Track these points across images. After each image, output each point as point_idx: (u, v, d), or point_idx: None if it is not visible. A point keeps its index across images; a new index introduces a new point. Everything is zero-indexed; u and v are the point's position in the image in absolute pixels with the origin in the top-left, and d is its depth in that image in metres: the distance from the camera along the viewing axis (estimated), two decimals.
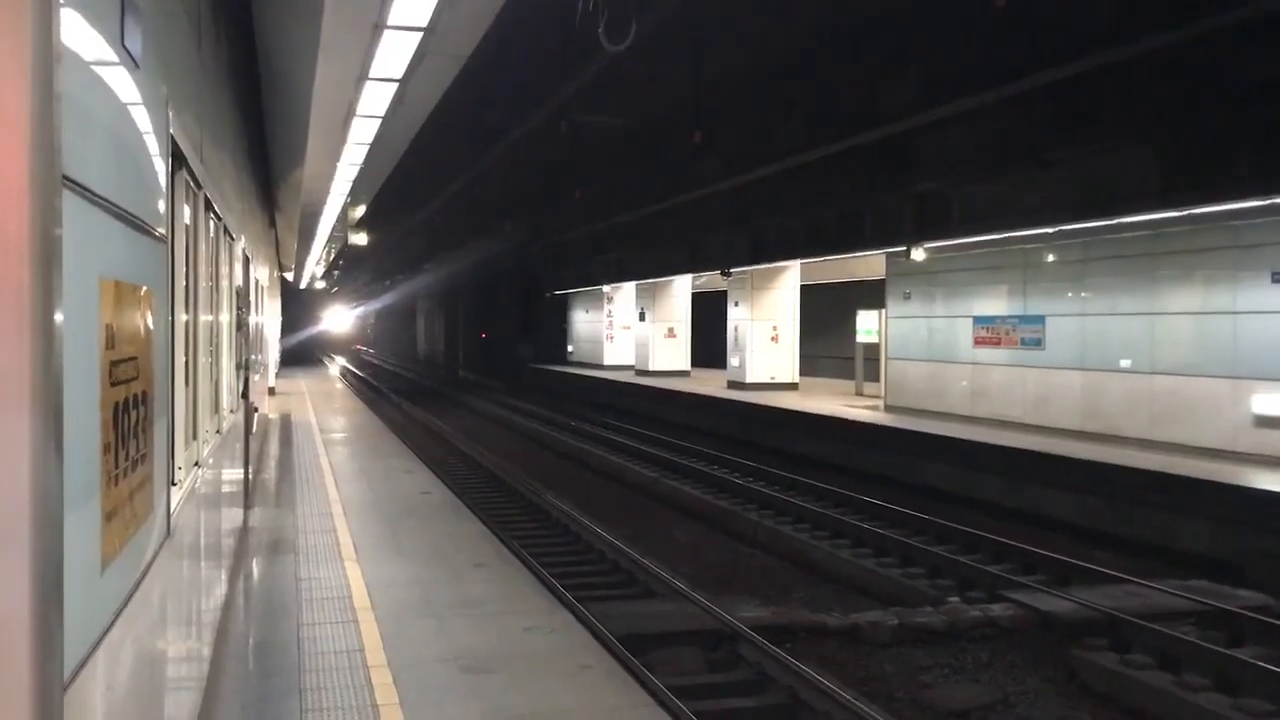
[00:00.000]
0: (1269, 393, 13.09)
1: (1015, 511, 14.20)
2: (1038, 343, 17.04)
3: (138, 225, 2.69)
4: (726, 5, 12.89)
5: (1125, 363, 15.31)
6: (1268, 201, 12.06)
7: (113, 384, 2.28)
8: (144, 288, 2.75)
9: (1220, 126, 11.74)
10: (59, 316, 1.64)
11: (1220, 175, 12.00)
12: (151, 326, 2.90)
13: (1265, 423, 13.14)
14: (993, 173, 15.17)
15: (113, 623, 2.28)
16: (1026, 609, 9.31)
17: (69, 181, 1.79)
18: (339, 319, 69.47)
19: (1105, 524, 12.96)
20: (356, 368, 55.35)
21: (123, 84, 2.53)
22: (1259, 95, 10.88)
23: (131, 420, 2.53)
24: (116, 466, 2.34)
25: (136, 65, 2.66)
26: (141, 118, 2.87)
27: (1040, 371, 16.96)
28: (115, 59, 2.41)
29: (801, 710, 7.29)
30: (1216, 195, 12.23)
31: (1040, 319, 17.01)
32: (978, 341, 18.44)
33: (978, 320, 18.47)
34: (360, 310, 71.85)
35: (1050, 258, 16.88)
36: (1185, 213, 13.20)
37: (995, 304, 18.09)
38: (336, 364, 54.65)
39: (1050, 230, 15.43)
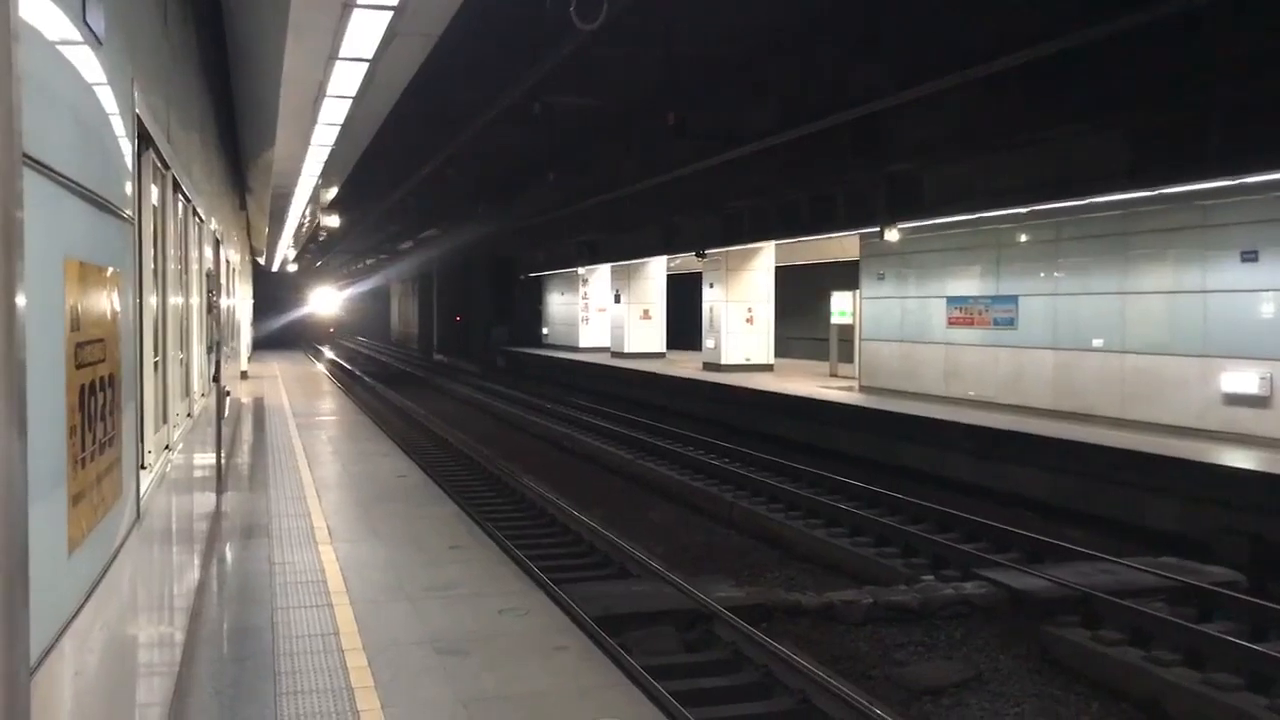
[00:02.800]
0: (1237, 371, 13.23)
1: (988, 490, 14.30)
2: (1010, 322, 17.14)
3: (103, 206, 2.66)
4: None
5: (1097, 342, 15.42)
6: (1236, 181, 12.15)
7: (78, 366, 2.25)
8: (110, 269, 2.72)
9: (1190, 107, 11.80)
10: (20, 298, 1.61)
11: (1190, 155, 12.07)
12: (119, 308, 2.87)
13: (1233, 400, 13.29)
14: (965, 153, 15.20)
15: (81, 607, 2.26)
16: (999, 587, 9.39)
17: (30, 161, 1.76)
18: (315, 304, 68.68)
19: (1077, 502, 13.08)
20: (331, 352, 55.00)
21: (86, 63, 2.50)
22: (1228, 76, 10.94)
23: (98, 403, 2.50)
24: (83, 450, 2.31)
25: (100, 43, 2.62)
26: (106, 97, 2.84)
27: (1013, 351, 17.07)
28: (78, 37, 2.37)
29: (776, 689, 7.33)
30: (1186, 175, 12.30)
31: (1013, 299, 17.10)
32: (951, 322, 18.53)
33: (951, 301, 18.55)
34: (334, 293, 71.26)
35: (1022, 238, 16.97)
36: (1156, 193, 13.30)
37: (968, 284, 18.18)
38: (312, 350, 54.16)
39: (1022, 210, 15.50)
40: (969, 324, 18.07)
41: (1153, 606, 8.74)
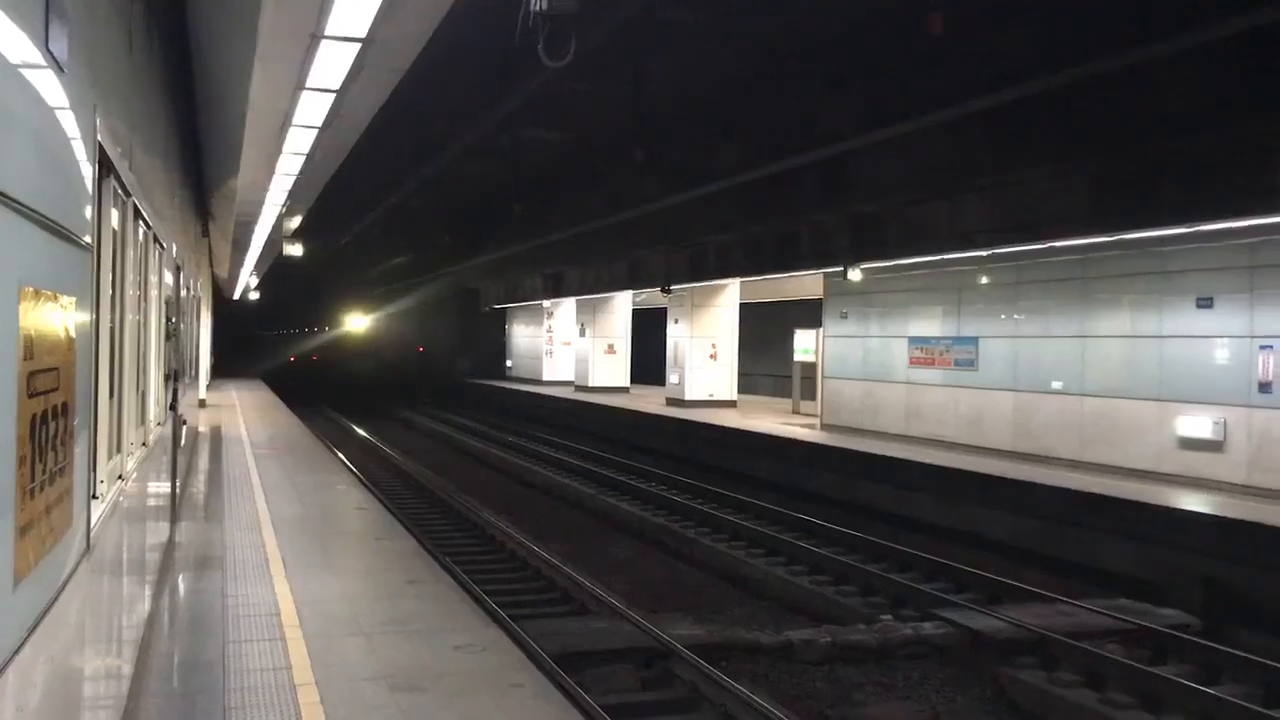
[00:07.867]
0: (1192, 415, 13.40)
1: (947, 530, 14.35)
2: (971, 363, 17.29)
3: (60, 233, 2.63)
4: (667, 27, 12.97)
5: (1056, 384, 15.59)
6: (1191, 229, 12.38)
7: (30, 395, 2.22)
8: (66, 297, 2.69)
9: (1147, 156, 12.03)
10: None
11: (1146, 203, 12.30)
12: (74, 336, 2.83)
13: (1189, 444, 13.45)
14: (928, 195, 15.39)
15: (25, 640, 2.21)
16: (958, 627, 9.42)
17: None
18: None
19: (1035, 543, 13.15)
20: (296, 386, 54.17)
21: (47, 88, 2.48)
22: (1182, 127, 11.17)
23: (50, 432, 2.46)
24: (33, 480, 2.27)
25: (62, 70, 2.60)
26: (67, 123, 2.81)
27: (974, 392, 17.21)
28: (40, 62, 2.36)
29: None
30: (1143, 222, 12.52)
31: (974, 340, 17.27)
32: (913, 362, 18.67)
33: (913, 341, 18.71)
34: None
35: (984, 280, 17.17)
36: (1114, 238, 13.50)
37: (930, 325, 18.34)
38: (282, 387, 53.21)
39: (984, 253, 15.69)
40: (930, 364, 18.22)
41: (1108, 649, 8.80)
